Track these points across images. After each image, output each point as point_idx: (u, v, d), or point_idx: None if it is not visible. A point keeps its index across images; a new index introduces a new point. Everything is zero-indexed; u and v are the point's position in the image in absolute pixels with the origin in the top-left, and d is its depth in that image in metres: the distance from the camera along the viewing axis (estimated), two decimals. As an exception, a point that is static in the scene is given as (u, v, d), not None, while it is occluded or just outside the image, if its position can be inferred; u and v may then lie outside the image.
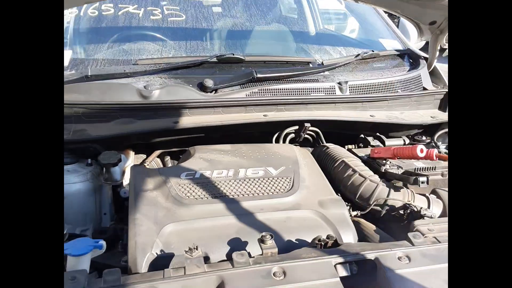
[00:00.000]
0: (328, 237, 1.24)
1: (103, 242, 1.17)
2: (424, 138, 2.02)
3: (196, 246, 1.12)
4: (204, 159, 1.58)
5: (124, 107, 1.70)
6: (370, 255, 1.13)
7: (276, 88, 1.85)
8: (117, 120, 1.72)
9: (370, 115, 1.91)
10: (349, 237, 1.31)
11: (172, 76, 1.88)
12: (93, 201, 1.70)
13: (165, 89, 1.75)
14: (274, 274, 1.06)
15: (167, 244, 1.22)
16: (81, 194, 1.65)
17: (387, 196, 1.45)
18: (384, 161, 1.63)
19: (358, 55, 2.14)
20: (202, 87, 1.82)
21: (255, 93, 1.83)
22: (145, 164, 1.93)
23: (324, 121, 1.84)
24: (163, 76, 1.87)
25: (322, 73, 2.01)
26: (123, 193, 1.75)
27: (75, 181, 1.64)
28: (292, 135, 1.91)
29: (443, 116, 2.04)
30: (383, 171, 1.58)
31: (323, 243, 1.23)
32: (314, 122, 1.85)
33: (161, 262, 1.19)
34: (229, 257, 1.22)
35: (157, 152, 1.96)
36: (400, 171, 1.58)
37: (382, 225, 1.48)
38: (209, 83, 1.82)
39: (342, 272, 1.12)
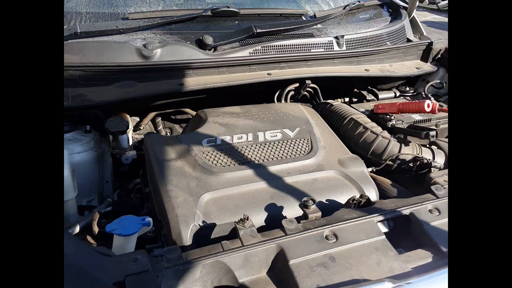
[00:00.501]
0: (361, 196, 1.32)
1: (150, 219, 1.15)
2: (408, 88, 2.13)
3: (247, 217, 1.14)
4: (219, 124, 1.55)
5: (125, 69, 1.58)
6: (405, 211, 1.23)
7: (278, 45, 1.82)
8: (117, 83, 1.61)
9: (365, 69, 1.96)
10: (372, 193, 1.40)
11: (166, 31, 1.76)
12: (97, 170, 1.63)
13: (167, 48, 1.65)
14: (326, 237, 1.12)
15: (207, 214, 1.23)
16: (86, 163, 1.57)
17: (399, 150, 1.54)
18: (388, 116, 1.71)
19: (347, 5, 2.13)
20: (201, 44, 1.74)
21: (258, 50, 1.78)
22: (140, 127, 1.85)
23: (324, 77, 1.86)
24: (157, 32, 1.75)
25: (315, 26, 1.99)
26: (125, 160, 1.68)
27: (79, 151, 1.54)
28: (292, 93, 1.91)
29: (427, 67, 2.14)
30: (389, 126, 1.66)
31: (357, 203, 1.31)
32: (314, 79, 1.86)
33: (204, 233, 1.21)
34: (268, 223, 1.27)
35: (152, 114, 1.88)
36: (404, 125, 1.67)
37: (388, 177, 1.59)
38: (209, 39, 1.73)
39: (383, 228, 1.22)
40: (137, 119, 1.89)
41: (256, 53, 1.77)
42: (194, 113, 1.93)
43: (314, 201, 1.21)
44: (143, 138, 1.60)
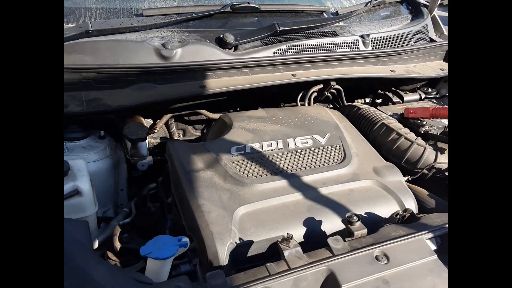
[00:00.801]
0: (405, 210, 1.23)
1: (187, 239, 1.05)
2: (430, 90, 2.05)
3: (291, 236, 1.04)
4: (246, 130, 1.45)
5: (143, 70, 1.47)
6: None
7: (303, 44, 1.72)
8: (134, 86, 1.49)
9: (391, 70, 1.87)
10: (411, 205, 1.31)
11: (184, 29, 1.65)
12: (113, 178, 1.52)
13: (187, 48, 1.53)
14: (377, 258, 1.03)
15: (243, 230, 1.13)
16: (102, 172, 1.46)
17: (435, 159, 1.46)
18: (420, 121, 1.62)
19: (368, 2, 2.04)
20: (222, 43, 1.63)
21: (283, 50, 1.68)
22: (155, 130, 1.74)
23: (348, 78, 1.77)
24: (174, 30, 1.63)
25: (337, 24, 1.89)
26: (141, 166, 1.57)
27: (95, 159, 1.43)
28: (315, 94, 1.82)
29: (451, 68, 2.06)
30: (422, 132, 1.58)
31: (401, 217, 1.22)
32: (338, 80, 1.77)
33: (240, 251, 1.12)
34: (307, 238, 1.18)
35: (167, 117, 1.76)
36: (438, 131, 1.59)
37: (419, 185, 1.51)
38: (230, 38, 1.62)
39: (432, 246, 1.14)
40: (151, 121, 1.78)
41: (281, 52, 1.67)
42: (210, 115, 1.83)
43: (359, 217, 1.12)
44: (165, 145, 1.49)
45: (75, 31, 1.45)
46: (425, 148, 1.47)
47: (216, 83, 1.57)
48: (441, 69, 2.02)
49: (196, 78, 1.55)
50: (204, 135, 1.94)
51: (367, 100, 2.07)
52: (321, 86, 1.78)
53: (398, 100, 1.88)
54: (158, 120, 1.75)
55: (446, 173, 1.46)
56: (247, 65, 1.59)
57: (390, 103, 1.87)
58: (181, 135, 1.94)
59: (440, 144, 1.53)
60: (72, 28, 1.46)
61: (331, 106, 1.93)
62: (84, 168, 1.27)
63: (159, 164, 1.57)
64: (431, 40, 2.10)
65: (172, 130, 1.87)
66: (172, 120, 1.85)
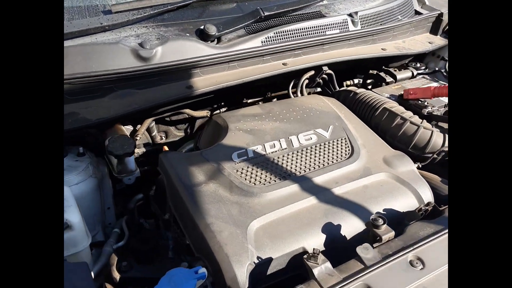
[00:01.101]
0: (427, 204, 1.16)
1: (204, 270, 0.93)
2: (419, 65, 1.98)
3: (318, 251, 0.94)
4: (244, 131, 1.33)
5: (121, 76, 1.30)
6: None
7: (291, 30, 1.58)
8: (113, 94, 1.33)
9: (382, 48, 1.77)
10: (427, 195, 1.24)
11: (159, 23, 1.48)
12: (99, 198, 1.37)
13: (168, 46, 1.37)
14: (411, 263, 0.96)
15: (260, 247, 1.03)
16: (87, 194, 1.30)
17: (443, 142, 1.39)
18: (420, 102, 1.54)
19: (349, -23, 1.91)
20: (204, 35, 1.48)
21: (271, 38, 1.54)
22: (137, 138, 1.58)
23: (341, 62, 1.66)
24: (149, 25, 1.46)
25: (321, 3, 1.76)
26: (128, 180, 1.43)
27: (77, 181, 1.27)
28: (307, 81, 1.70)
29: (439, 41, 1.99)
30: (425, 114, 1.50)
31: (424, 212, 1.15)
32: (330, 64, 1.66)
33: (260, 270, 1.02)
34: (328, 246, 1.09)
35: (149, 121, 1.61)
36: (441, 112, 1.51)
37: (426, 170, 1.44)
38: (212, 29, 1.47)
39: (462, 242, 1.07)
40: (131, 128, 1.62)
41: (269, 41, 1.54)
42: (194, 113, 1.69)
43: (384, 220, 1.04)
44: (151, 153, 1.35)
45: (36, 37, 1.26)
46: (432, 131, 1.40)
47: (203, 82, 1.42)
48: (429, 43, 1.95)
49: (181, 78, 1.40)
50: (191, 136, 1.80)
51: (356, 81, 1.98)
52: (312, 72, 1.66)
53: (391, 79, 1.79)
54: (139, 126, 1.60)
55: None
56: (234, 58, 1.45)
57: (383, 83, 1.78)
58: (163, 138, 1.79)
59: (444, 125, 1.46)
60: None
61: (319, 90, 1.82)
62: (70, 196, 1.12)
63: (145, 174, 1.43)
64: (417, 13, 2.01)
65: (153, 134, 1.72)
66: (153, 123, 1.70)
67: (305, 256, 0.95)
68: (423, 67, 1.96)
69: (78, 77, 1.25)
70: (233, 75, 1.47)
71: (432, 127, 1.42)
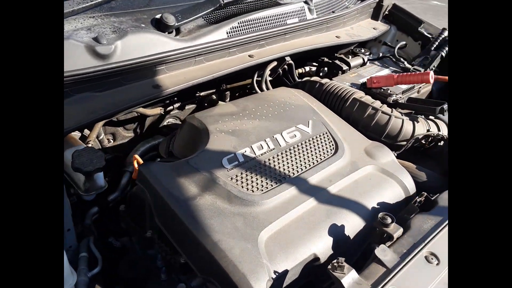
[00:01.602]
0: (421, 195, 1.18)
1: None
2: (363, 50, 2.02)
3: (343, 260, 0.90)
4: (226, 132, 1.21)
5: (78, 78, 1.10)
6: None
7: (253, 19, 1.48)
8: (70, 100, 1.12)
9: (336, 36, 1.76)
10: (410, 184, 1.28)
11: (108, 13, 1.28)
12: (60, 221, 1.16)
13: (127, 40, 1.19)
14: (427, 259, 0.97)
15: (273, 259, 0.97)
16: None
17: (413, 129, 1.43)
18: (383, 90, 1.57)
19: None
20: (162, 26, 1.32)
21: (235, 29, 1.42)
22: (89, 144, 1.38)
23: (302, 51, 1.61)
24: (96, 15, 1.26)
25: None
26: (88, 197, 1.24)
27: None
28: (269, 72, 1.62)
29: (382, 27, 2.04)
30: (391, 102, 1.52)
31: (419, 204, 1.16)
32: (291, 54, 1.60)
33: (278, 283, 0.95)
34: (336, 249, 1.05)
35: (100, 125, 1.41)
36: (404, 99, 1.56)
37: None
38: (171, 19, 1.32)
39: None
40: (78, 133, 1.40)
41: (234, 32, 1.42)
42: (147, 111, 1.52)
43: (392, 218, 1.03)
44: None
45: None
46: (403, 120, 1.43)
47: (170, 79, 1.27)
48: (374, 28, 1.99)
49: (145, 77, 1.24)
50: (142, 136, 1.62)
51: (307, 69, 1.95)
52: (275, 63, 1.59)
53: (347, 67, 1.80)
54: (87, 131, 1.39)
55: (423, 141, 1.45)
56: (201, 52, 1.32)
57: (340, 71, 1.78)
58: (111, 140, 1.59)
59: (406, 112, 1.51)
60: None
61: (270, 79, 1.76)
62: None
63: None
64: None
65: (101, 137, 1.52)
66: (99, 125, 1.49)
67: (329, 267, 0.90)
68: (368, 53, 2.00)
69: (26, 82, 1.02)
70: (201, 70, 1.34)
71: (402, 115, 1.45)
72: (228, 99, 1.79)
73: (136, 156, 1.23)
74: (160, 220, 1.07)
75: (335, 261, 0.91)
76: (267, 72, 1.58)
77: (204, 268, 0.98)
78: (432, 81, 1.51)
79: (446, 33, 1.92)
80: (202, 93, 1.70)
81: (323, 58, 1.87)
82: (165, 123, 1.68)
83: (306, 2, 1.67)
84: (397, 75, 1.56)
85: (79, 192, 1.12)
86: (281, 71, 1.70)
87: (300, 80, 1.66)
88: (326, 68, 1.87)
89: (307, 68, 1.95)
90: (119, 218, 1.27)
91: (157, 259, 1.14)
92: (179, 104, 1.66)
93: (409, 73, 1.58)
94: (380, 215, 1.04)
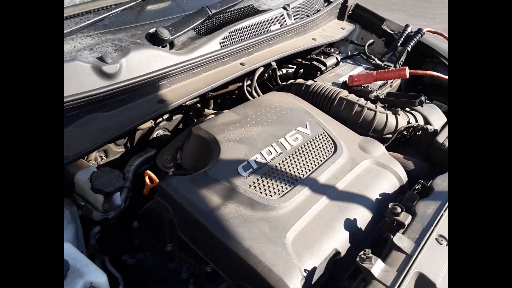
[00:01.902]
0: (418, 183, 1.29)
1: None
2: (332, 50, 2.12)
3: (370, 251, 0.99)
4: (234, 141, 1.26)
5: (88, 100, 1.09)
6: None
7: (240, 28, 1.53)
8: (79, 122, 1.11)
9: (312, 39, 1.85)
10: (402, 173, 1.39)
11: (103, 31, 1.27)
12: (77, 245, 1.15)
13: (131, 57, 1.19)
14: (438, 241, 1.07)
15: (301, 259, 1.04)
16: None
17: (396, 122, 1.55)
18: (363, 87, 1.68)
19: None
20: (157, 40, 1.33)
21: (227, 39, 1.46)
22: (90, 163, 1.36)
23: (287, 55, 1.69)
24: (92, 33, 1.25)
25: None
26: (96, 216, 1.24)
27: (59, 233, 1.04)
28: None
29: (348, 26, 2.16)
30: (373, 98, 1.64)
31: (418, 192, 1.28)
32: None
33: (308, 282, 1.02)
34: (353, 242, 1.14)
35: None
36: (383, 94, 1.67)
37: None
38: (165, 33, 1.33)
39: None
40: None
41: (226, 42, 1.46)
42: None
43: (402, 207, 1.13)
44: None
45: None
46: (386, 114, 1.54)
47: (173, 93, 1.29)
48: (342, 28, 2.10)
49: (149, 92, 1.25)
50: (133, 150, 1.61)
51: (284, 71, 2.02)
52: (262, 69, 1.65)
53: (324, 67, 1.89)
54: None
55: (405, 133, 1.58)
56: (199, 64, 1.35)
57: (318, 72, 1.87)
58: (104, 158, 1.57)
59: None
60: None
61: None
62: (76, 251, 0.93)
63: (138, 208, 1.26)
64: (326, 1, 2.14)
65: (94, 156, 1.50)
66: None
67: (358, 260, 0.98)
68: (337, 52, 2.11)
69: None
70: (199, 81, 1.36)
71: (385, 110, 1.57)
72: (212, 107, 1.82)
73: (149, 172, 1.24)
74: (184, 233, 1.10)
75: (361, 253, 0.99)
76: (256, 77, 1.63)
77: (237, 275, 1.02)
78: (408, 76, 1.63)
79: (409, 29, 2.07)
80: (187, 102, 1.72)
81: (299, 60, 1.95)
82: (154, 135, 1.68)
83: (284, 8, 1.73)
84: (375, 72, 1.67)
85: (100, 214, 1.12)
86: (266, 76, 1.76)
87: (285, 83, 1.73)
88: (301, 70, 1.95)
89: (284, 71, 2.02)
90: (131, 235, 1.27)
91: (182, 272, 1.17)
92: (167, 116, 1.67)
93: (387, 69, 1.70)
94: (390, 205, 1.14)
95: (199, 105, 1.76)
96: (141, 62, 1.21)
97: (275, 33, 1.61)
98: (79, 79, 1.09)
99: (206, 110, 1.75)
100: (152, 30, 1.35)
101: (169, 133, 1.71)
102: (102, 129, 1.12)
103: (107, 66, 1.13)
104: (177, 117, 1.72)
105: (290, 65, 2.04)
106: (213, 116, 1.59)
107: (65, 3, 1.24)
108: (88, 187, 1.12)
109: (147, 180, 1.23)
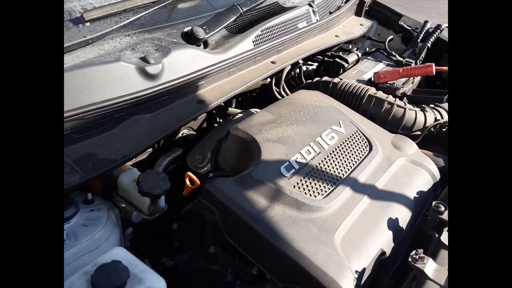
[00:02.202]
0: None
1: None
2: (350, 46, 2.12)
3: (421, 252, 1.00)
4: (273, 141, 1.25)
5: (134, 101, 1.08)
6: None
7: (272, 26, 1.52)
8: (124, 124, 1.10)
9: (335, 35, 1.85)
10: (434, 169, 1.41)
11: (140, 30, 1.26)
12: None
13: (172, 57, 1.18)
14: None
15: (350, 260, 1.04)
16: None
17: (425, 119, 1.56)
18: (389, 85, 1.68)
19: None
20: (192, 39, 1.32)
21: (259, 37, 1.45)
22: None
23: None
24: (130, 32, 1.23)
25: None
26: (136, 217, 1.24)
27: (107, 237, 1.04)
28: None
29: (367, 22, 2.16)
30: (399, 95, 1.64)
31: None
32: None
33: (358, 283, 1.03)
34: (397, 242, 1.15)
35: None
36: (409, 91, 1.68)
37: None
38: (200, 32, 1.32)
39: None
40: None
41: (258, 40, 1.45)
42: None
43: (445, 206, 1.14)
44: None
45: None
46: (416, 111, 1.55)
47: (210, 93, 1.29)
48: (361, 24, 2.10)
49: (189, 93, 1.24)
50: (162, 150, 1.61)
51: (304, 68, 2.02)
52: (289, 67, 1.64)
53: (347, 64, 1.89)
54: None
55: (432, 129, 1.59)
56: (235, 63, 1.34)
57: (341, 69, 1.87)
58: None
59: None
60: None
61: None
62: (132, 257, 0.92)
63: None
64: (346, -3, 2.14)
65: None
66: None
67: (410, 260, 0.99)
68: (355, 48, 2.11)
69: (88, 110, 0.99)
70: (235, 81, 1.36)
71: (414, 107, 1.58)
72: (234, 105, 1.81)
73: (190, 173, 1.24)
74: (230, 235, 1.10)
75: (413, 253, 1.00)
76: (284, 76, 1.62)
77: (286, 277, 1.03)
78: (434, 72, 1.64)
79: (428, 25, 2.08)
80: None
81: (320, 57, 1.95)
82: (180, 134, 1.67)
83: (310, 5, 1.73)
84: (402, 69, 1.68)
85: (146, 217, 1.11)
86: (293, 74, 1.76)
87: (310, 81, 1.73)
88: (322, 67, 1.95)
89: (304, 68, 2.01)
90: (169, 236, 1.27)
91: (227, 274, 1.17)
92: None
93: (413, 66, 1.71)
94: (433, 204, 1.15)
95: (222, 103, 1.76)
96: (181, 62, 1.20)
97: (303, 30, 1.60)
98: (124, 80, 1.08)
99: (230, 109, 1.75)
100: (187, 29, 1.33)
101: (195, 132, 1.71)
102: (147, 131, 1.11)
103: (150, 67, 1.12)
104: (202, 116, 1.72)
105: (309, 62, 2.04)
106: (241, 115, 1.59)
107: (102, 1, 1.22)
108: (132, 189, 1.11)
109: (188, 182, 1.23)
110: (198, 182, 1.23)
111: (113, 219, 1.08)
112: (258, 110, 1.52)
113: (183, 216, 1.23)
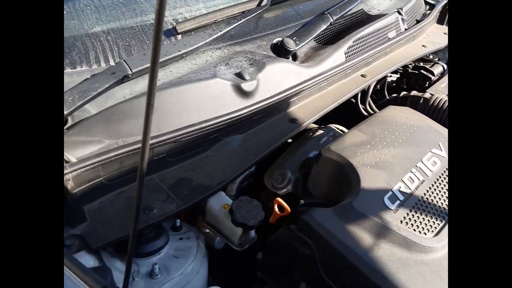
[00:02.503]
0: None
1: None
2: (432, 56, 1.96)
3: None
4: (371, 166, 1.14)
5: (227, 122, 1.00)
6: None
7: (363, 36, 1.40)
8: (218, 145, 1.02)
9: (422, 45, 1.70)
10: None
11: (230, 42, 1.18)
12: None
13: (265, 73, 1.09)
14: None
15: None
16: (206, 282, 1.01)
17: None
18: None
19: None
20: (282, 51, 1.22)
21: (351, 48, 1.34)
22: None
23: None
24: (220, 45, 1.15)
25: None
26: (218, 244, 1.16)
27: (198, 269, 0.96)
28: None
29: (451, 30, 1.99)
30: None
31: None
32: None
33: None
34: None
35: None
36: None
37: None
38: (291, 44, 1.22)
39: None
40: None
41: (350, 52, 1.34)
42: None
43: None
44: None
45: (106, 80, 0.87)
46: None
47: (302, 111, 1.19)
48: (444, 33, 1.94)
49: (280, 110, 1.15)
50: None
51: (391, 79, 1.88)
52: (375, 81, 1.52)
53: (433, 77, 1.74)
54: None
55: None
56: (327, 78, 1.23)
57: (427, 82, 1.72)
58: None
59: None
60: (99, 74, 0.88)
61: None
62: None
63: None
64: (427, 3, 1.98)
65: None
66: None
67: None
68: (437, 58, 1.95)
69: (185, 132, 0.91)
70: (326, 96, 1.26)
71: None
72: None
73: (280, 199, 1.14)
74: (327, 273, 1.00)
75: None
76: (371, 91, 1.50)
77: None
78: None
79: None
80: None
81: (403, 68, 1.80)
82: None
83: (399, 13, 1.59)
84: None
85: (236, 248, 1.03)
86: (378, 87, 1.63)
87: (396, 95, 1.59)
88: (405, 79, 1.81)
89: (392, 78, 1.88)
90: (254, 266, 1.18)
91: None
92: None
93: None
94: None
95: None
96: (274, 78, 1.11)
97: (395, 40, 1.47)
98: (220, 98, 1.00)
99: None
100: (276, 40, 1.24)
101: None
102: (240, 153, 1.03)
103: (246, 84, 1.03)
104: None
105: (390, 74, 1.90)
106: (322, 131, 1.48)
107: (193, 12, 1.15)
108: (223, 216, 1.03)
109: (276, 209, 1.13)
110: (289, 209, 1.14)
111: (202, 249, 1.00)
112: (337, 126, 1.40)
113: (269, 245, 1.13)
